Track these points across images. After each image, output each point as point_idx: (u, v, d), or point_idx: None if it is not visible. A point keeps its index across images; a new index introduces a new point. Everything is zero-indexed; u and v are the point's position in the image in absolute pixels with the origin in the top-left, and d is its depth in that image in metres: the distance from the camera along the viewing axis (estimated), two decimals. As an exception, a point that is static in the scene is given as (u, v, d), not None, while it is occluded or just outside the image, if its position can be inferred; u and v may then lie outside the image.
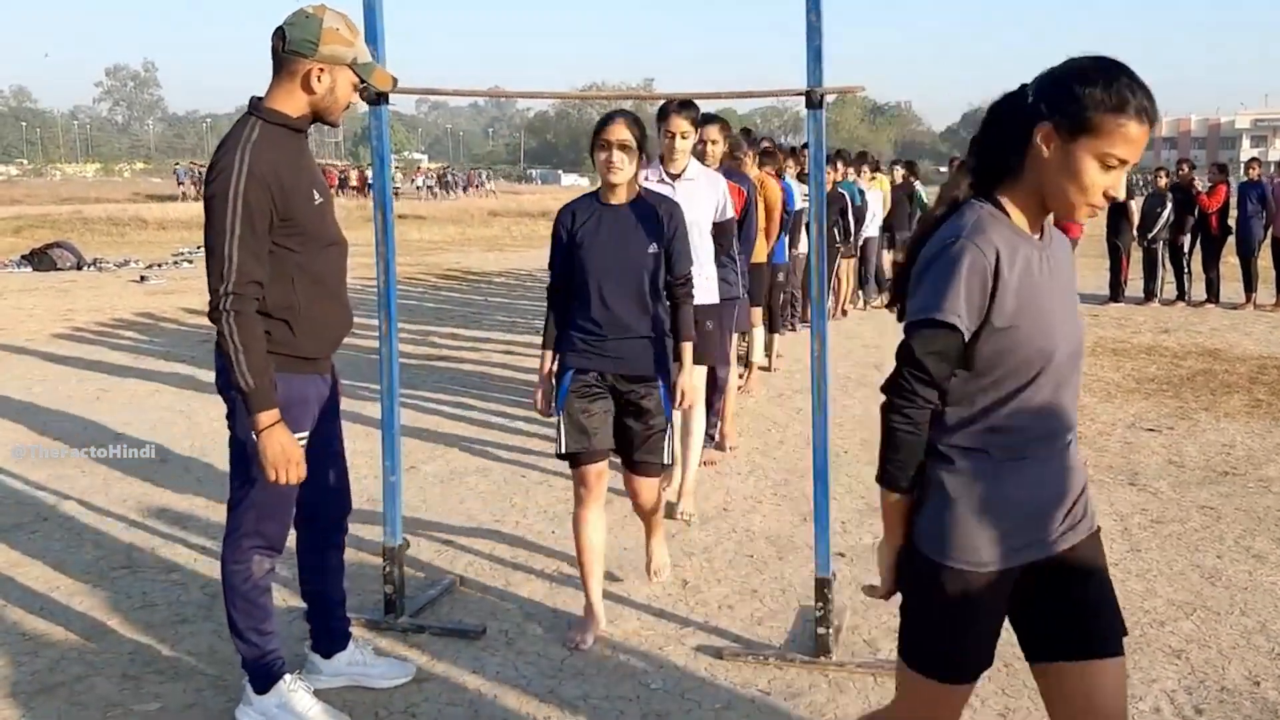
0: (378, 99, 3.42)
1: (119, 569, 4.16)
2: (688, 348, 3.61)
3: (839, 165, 10.74)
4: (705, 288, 4.70)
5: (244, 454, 2.77)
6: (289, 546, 2.99)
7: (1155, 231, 12.29)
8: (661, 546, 4.01)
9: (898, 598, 2.00)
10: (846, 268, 11.19)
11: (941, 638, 1.91)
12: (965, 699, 2.00)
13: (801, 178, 8.51)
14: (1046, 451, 1.88)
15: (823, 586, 3.30)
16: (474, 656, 3.40)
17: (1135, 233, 12.53)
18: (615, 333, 3.45)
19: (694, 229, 4.57)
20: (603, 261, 3.44)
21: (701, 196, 4.67)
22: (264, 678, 2.90)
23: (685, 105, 4.61)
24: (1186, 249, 12.43)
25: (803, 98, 3.20)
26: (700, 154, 5.05)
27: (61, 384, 7.81)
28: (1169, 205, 12.27)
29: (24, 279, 15.60)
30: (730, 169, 5.64)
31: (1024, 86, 1.84)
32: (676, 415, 4.69)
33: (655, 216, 3.50)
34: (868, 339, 10.00)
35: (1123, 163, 1.76)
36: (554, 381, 3.56)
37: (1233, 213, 12.60)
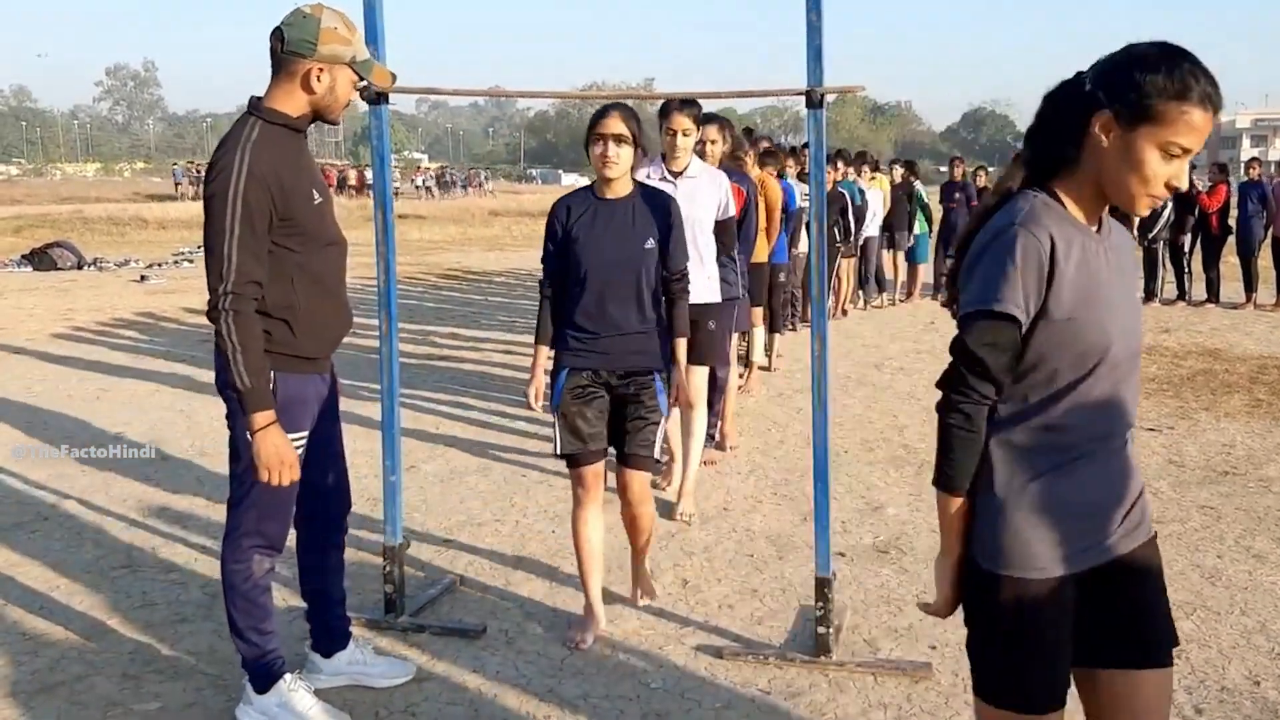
0: (378, 98, 3.41)
1: (119, 568, 4.16)
2: (682, 344, 3.60)
3: (839, 165, 10.74)
4: (708, 287, 4.70)
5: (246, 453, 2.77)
6: (289, 546, 2.99)
7: (1156, 231, 12.28)
8: (647, 570, 3.85)
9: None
10: (847, 267, 11.19)
11: (1006, 658, 1.80)
12: None
13: (802, 177, 8.51)
14: (1103, 451, 1.80)
15: (823, 586, 3.30)
16: (474, 656, 3.40)
17: (1135, 232, 12.52)
18: (610, 329, 3.42)
19: (696, 227, 4.57)
20: (598, 257, 3.41)
21: (704, 194, 4.67)
22: (264, 677, 2.89)
23: (687, 103, 4.60)
24: (1187, 249, 12.42)
25: (803, 97, 3.20)
26: (700, 153, 5.05)
27: (62, 384, 7.81)
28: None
29: (24, 278, 15.60)
30: (730, 168, 5.64)
31: (1080, 74, 1.77)
32: (675, 414, 4.69)
33: (651, 211, 3.47)
34: (868, 339, 10.00)
35: (1185, 152, 1.69)
36: (549, 379, 3.54)
37: (1233, 212, 12.60)
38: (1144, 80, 1.66)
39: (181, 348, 9.37)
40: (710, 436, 5.50)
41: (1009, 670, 1.80)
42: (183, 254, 18.84)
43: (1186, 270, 12.48)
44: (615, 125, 3.38)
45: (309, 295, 2.79)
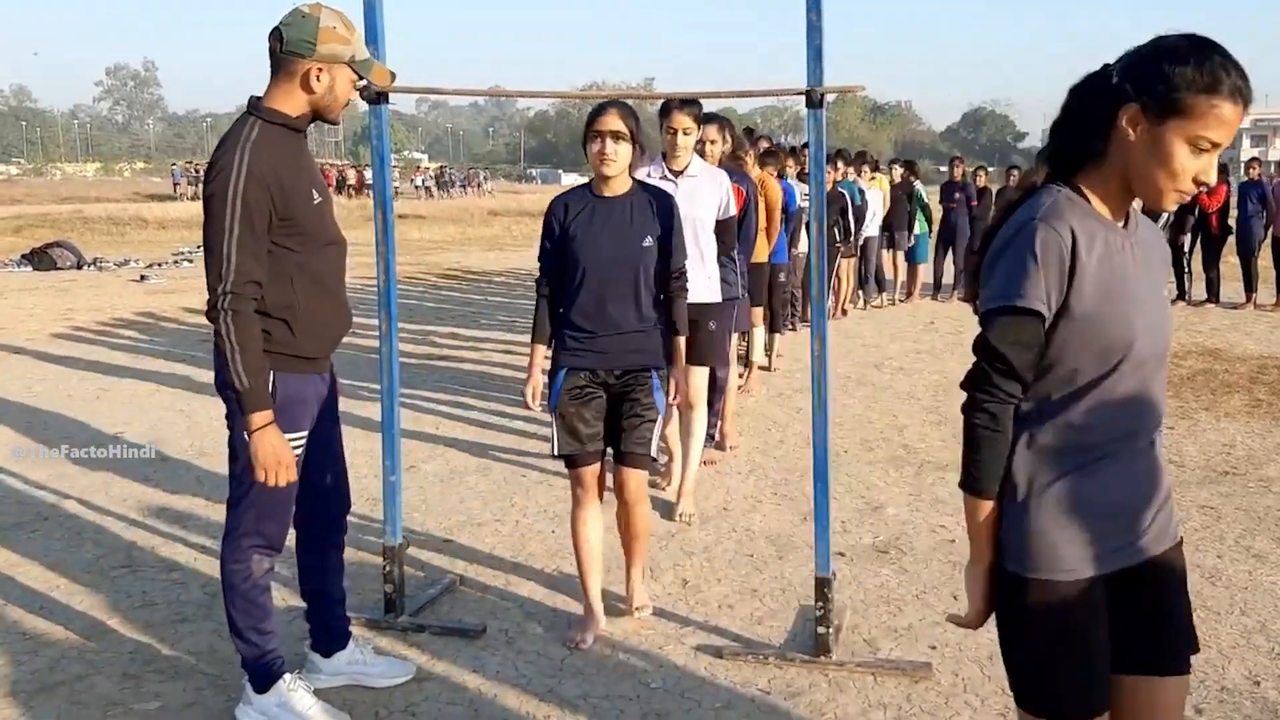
0: (377, 98, 3.41)
1: (119, 568, 4.16)
2: (682, 342, 3.58)
3: (839, 164, 10.74)
4: (709, 287, 4.69)
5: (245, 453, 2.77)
6: (288, 546, 2.99)
7: (1155, 231, 12.27)
8: (642, 581, 3.76)
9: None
10: (846, 267, 11.19)
11: (1039, 663, 1.76)
12: None
13: (801, 177, 8.51)
14: (1129, 450, 1.76)
15: (823, 586, 3.30)
16: (474, 656, 3.40)
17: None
18: (608, 328, 3.40)
19: (698, 226, 4.57)
20: (595, 255, 3.39)
21: (704, 194, 4.66)
22: (264, 677, 2.89)
23: (688, 102, 4.60)
24: (1187, 249, 12.42)
25: (803, 97, 3.20)
26: (699, 153, 5.05)
27: (62, 383, 7.81)
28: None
29: (24, 278, 15.60)
30: (730, 168, 5.63)
31: (1107, 66, 1.73)
32: (674, 413, 4.69)
33: (650, 209, 3.45)
34: (868, 338, 10.00)
35: (1215, 146, 1.65)
36: (547, 378, 3.52)
37: (1233, 212, 12.60)
38: (1173, 73, 1.63)
39: (181, 348, 9.37)
40: (710, 436, 5.50)
41: (1043, 676, 1.77)
42: (182, 254, 18.83)
43: (1186, 270, 12.47)
44: (613, 122, 3.36)
45: (308, 295, 2.79)
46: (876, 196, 11.96)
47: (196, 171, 40.79)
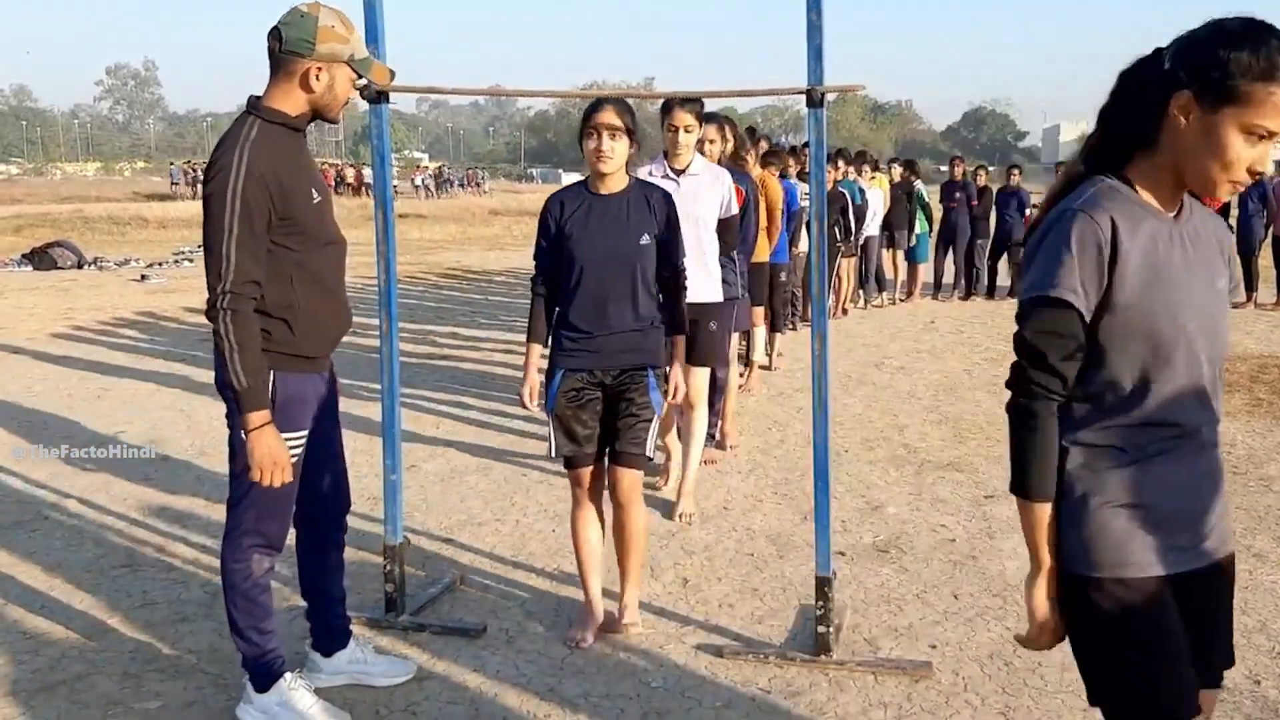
0: (378, 97, 3.40)
1: (119, 567, 4.16)
2: (681, 341, 3.55)
3: (839, 164, 10.74)
4: (710, 286, 4.69)
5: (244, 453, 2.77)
6: (289, 545, 2.99)
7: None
8: (636, 597, 3.61)
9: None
10: (847, 266, 11.19)
11: (1120, 671, 1.66)
12: None
13: (802, 176, 8.51)
14: (1188, 448, 1.70)
15: (823, 585, 3.30)
16: (475, 655, 3.40)
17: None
18: (604, 328, 3.36)
19: (699, 225, 4.56)
20: (591, 253, 3.35)
21: (706, 192, 4.64)
22: (264, 676, 2.89)
23: (689, 100, 4.58)
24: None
25: (803, 96, 3.20)
26: (698, 152, 5.05)
27: (62, 383, 7.81)
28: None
29: (24, 278, 15.59)
30: (730, 167, 5.63)
31: (1159, 50, 1.66)
32: (671, 413, 4.68)
33: (647, 207, 3.41)
34: (868, 338, 10.00)
35: (1271, 135, 1.59)
36: (544, 379, 3.49)
37: (1233, 212, 12.58)
38: (1228, 58, 1.57)
39: (182, 347, 9.37)
40: (710, 435, 5.50)
41: (1126, 681, 1.67)
42: (183, 253, 18.82)
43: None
44: (609, 118, 3.31)
45: (308, 294, 2.79)
46: (877, 196, 11.95)
47: (195, 171, 40.81)
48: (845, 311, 11.43)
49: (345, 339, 3.03)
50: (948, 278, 13.18)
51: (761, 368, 7.84)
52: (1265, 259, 12.26)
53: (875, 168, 12.71)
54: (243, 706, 2.93)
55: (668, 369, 3.57)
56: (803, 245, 8.63)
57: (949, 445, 5.99)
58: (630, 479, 3.45)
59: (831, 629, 3.34)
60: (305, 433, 2.84)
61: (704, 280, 4.55)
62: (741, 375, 7.02)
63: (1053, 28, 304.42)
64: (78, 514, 4.81)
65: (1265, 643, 3.47)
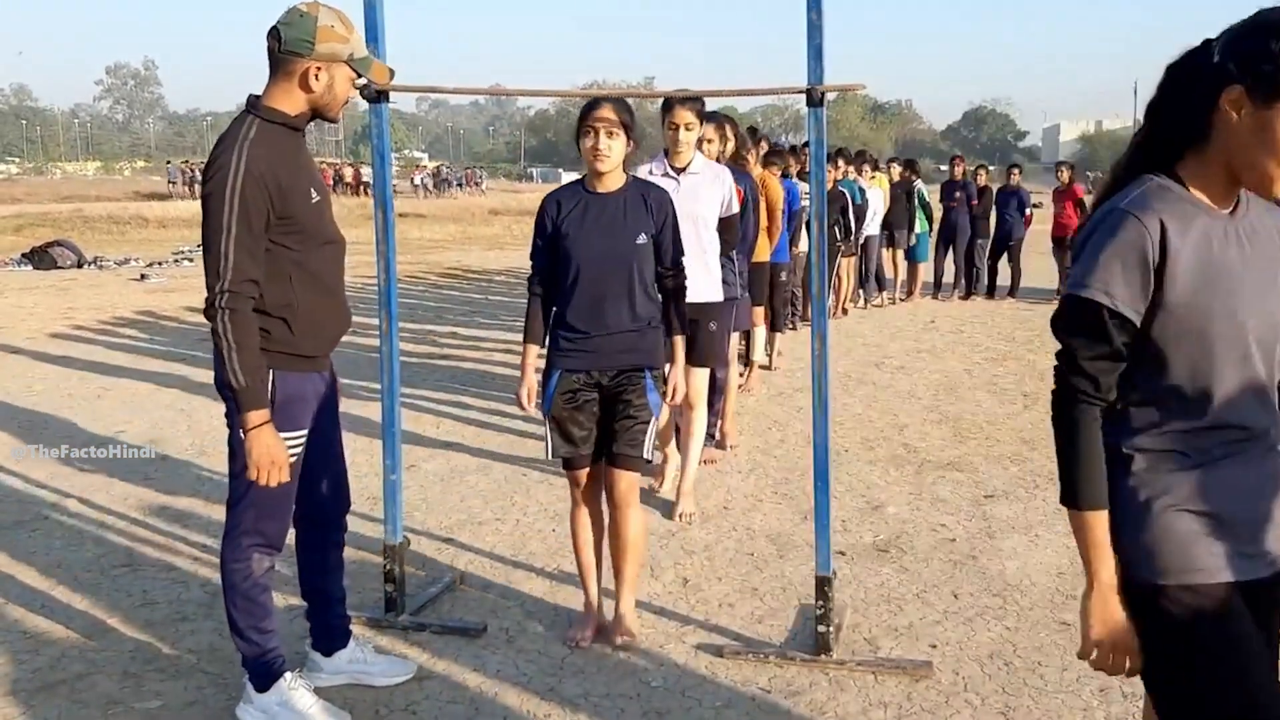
0: (378, 97, 3.40)
1: (119, 567, 4.16)
2: (680, 341, 3.53)
3: (839, 163, 10.74)
4: (710, 286, 4.68)
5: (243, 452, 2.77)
6: (289, 544, 2.99)
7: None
8: (632, 608, 3.54)
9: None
10: (847, 266, 11.19)
11: (1202, 685, 1.57)
12: None
13: (802, 176, 8.50)
14: (1254, 452, 1.64)
15: (823, 584, 3.30)
16: (475, 654, 3.40)
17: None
18: (601, 328, 3.34)
19: (700, 224, 4.55)
20: (588, 252, 3.32)
21: (707, 191, 4.63)
22: (264, 676, 2.89)
23: (690, 98, 4.57)
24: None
25: (803, 96, 3.19)
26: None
27: (62, 383, 7.81)
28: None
29: (24, 277, 15.59)
30: (730, 167, 5.63)
31: (1208, 42, 1.60)
32: (668, 412, 4.67)
33: (644, 205, 3.38)
34: (868, 337, 10.00)
35: None
36: (541, 379, 3.47)
37: None
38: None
39: (182, 347, 9.37)
40: (710, 435, 5.50)
41: (1202, 693, 1.59)
42: (183, 253, 18.82)
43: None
44: (606, 115, 3.28)
45: (307, 294, 2.79)
46: (877, 195, 11.96)
47: (192, 171, 40.80)
48: (845, 311, 11.43)
49: (345, 339, 3.03)
50: (948, 277, 13.18)
51: (761, 367, 7.85)
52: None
53: (875, 167, 12.71)
54: (243, 706, 2.93)
55: (666, 370, 3.56)
56: (803, 245, 8.63)
57: (949, 445, 5.99)
58: (627, 481, 3.43)
59: (831, 629, 3.34)
60: (305, 432, 2.84)
61: (704, 280, 4.55)
62: (741, 375, 7.02)
63: (1053, 28, 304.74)
64: (78, 514, 4.81)
65: None
